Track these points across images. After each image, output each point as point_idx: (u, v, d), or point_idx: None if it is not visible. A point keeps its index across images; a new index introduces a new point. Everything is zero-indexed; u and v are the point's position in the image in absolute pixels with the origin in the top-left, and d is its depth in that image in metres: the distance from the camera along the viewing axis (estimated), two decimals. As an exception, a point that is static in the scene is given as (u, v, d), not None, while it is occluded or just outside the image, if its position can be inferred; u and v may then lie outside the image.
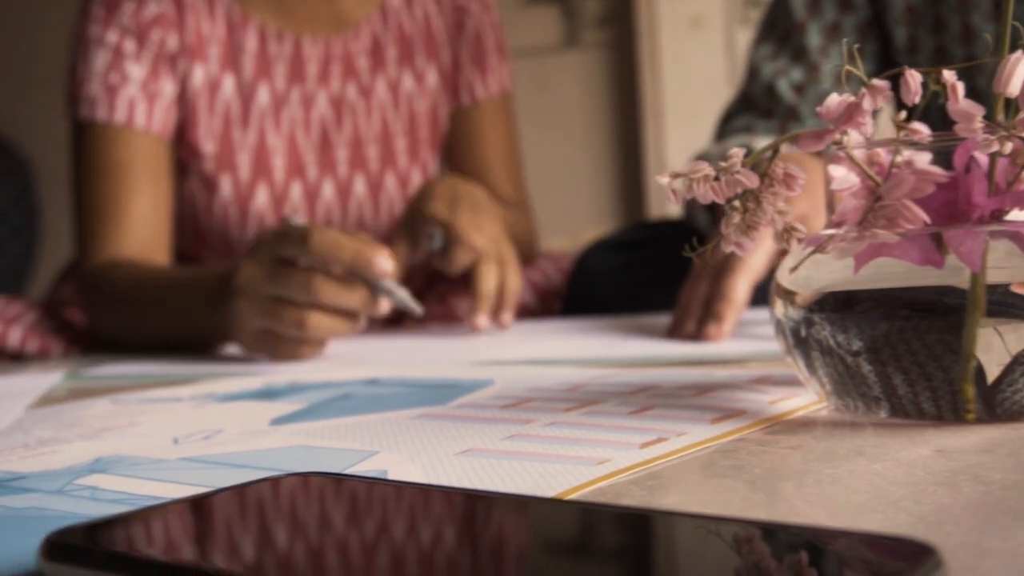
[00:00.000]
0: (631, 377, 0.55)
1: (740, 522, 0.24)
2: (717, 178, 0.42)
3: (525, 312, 1.10)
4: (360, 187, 1.13)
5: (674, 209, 2.39)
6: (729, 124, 1.15)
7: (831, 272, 0.42)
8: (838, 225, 0.43)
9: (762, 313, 0.84)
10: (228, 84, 1.07)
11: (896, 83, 0.42)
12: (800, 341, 0.41)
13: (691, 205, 1.02)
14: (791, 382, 0.50)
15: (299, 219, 0.76)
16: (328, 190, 1.12)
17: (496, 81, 1.20)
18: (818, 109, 0.41)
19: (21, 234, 2.81)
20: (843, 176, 0.43)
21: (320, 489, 0.29)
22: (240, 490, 0.29)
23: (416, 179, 1.17)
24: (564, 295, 1.11)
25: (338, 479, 0.30)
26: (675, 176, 0.42)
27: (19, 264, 2.82)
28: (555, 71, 2.53)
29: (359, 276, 0.72)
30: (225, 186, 1.07)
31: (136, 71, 1.01)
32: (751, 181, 0.41)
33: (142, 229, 1.00)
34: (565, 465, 0.35)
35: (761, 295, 0.81)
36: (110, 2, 1.02)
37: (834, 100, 0.41)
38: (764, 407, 0.44)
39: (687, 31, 2.40)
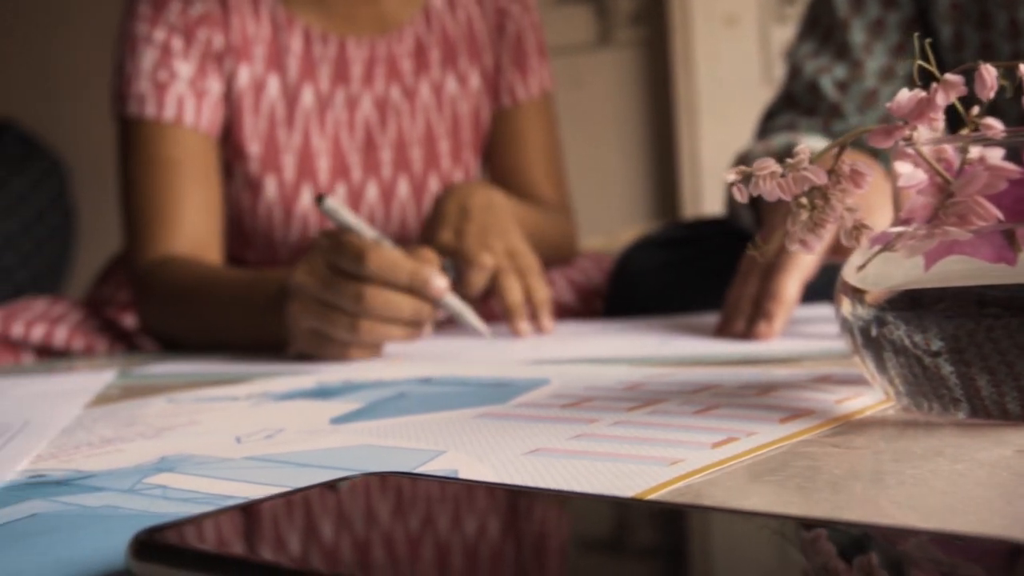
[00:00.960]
0: (688, 376, 0.54)
1: (836, 524, 0.24)
2: (783, 175, 0.41)
3: (566, 312, 1.10)
4: (404, 189, 1.13)
5: (709, 208, 2.38)
6: (771, 122, 1.14)
7: (899, 270, 0.41)
8: (905, 223, 0.42)
9: (811, 311, 0.83)
10: (273, 85, 1.07)
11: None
12: (870, 340, 0.40)
13: (734, 203, 1.02)
14: (853, 381, 0.49)
15: (333, 201, 0.76)
16: (372, 192, 1.12)
17: (536, 82, 1.19)
18: (888, 105, 0.41)
19: (58, 234, 2.84)
20: (910, 173, 0.42)
21: (402, 489, 0.29)
22: (323, 489, 0.29)
23: (459, 181, 1.17)
24: (606, 294, 1.10)
25: (419, 479, 0.30)
26: (741, 173, 0.42)
27: (56, 264, 2.85)
28: (588, 70, 2.52)
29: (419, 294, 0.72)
30: (270, 187, 1.08)
31: (184, 69, 1.02)
32: (819, 178, 0.41)
33: (194, 226, 1.00)
34: (638, 465, 0.35)
35: (810, 294, 0.80)
36: (157, 0, 1.02)
37: (905, 95, 0.41)
38: (831, 406, 0.43)
39: (721, 29, 2.39)
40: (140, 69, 1.01)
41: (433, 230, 0.93)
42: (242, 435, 0.45)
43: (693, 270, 1.03)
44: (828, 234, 0.42)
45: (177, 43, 1.02)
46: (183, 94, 1.01)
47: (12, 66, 3.03)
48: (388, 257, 0.71)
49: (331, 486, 0.30)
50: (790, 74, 1.14)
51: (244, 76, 1.05)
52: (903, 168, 0.42)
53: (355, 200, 1.12)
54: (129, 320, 1.09)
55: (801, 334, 0.74)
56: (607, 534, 0.26)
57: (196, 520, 0.27)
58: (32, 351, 1.02)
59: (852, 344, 0.43)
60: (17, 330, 1.00)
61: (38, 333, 1.01)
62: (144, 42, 1.01)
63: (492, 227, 0.92)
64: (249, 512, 0.27)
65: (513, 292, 0.88)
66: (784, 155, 0.98)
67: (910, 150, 0.42)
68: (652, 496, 0.31)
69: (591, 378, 0.56)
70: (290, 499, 0.28)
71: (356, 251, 0.71)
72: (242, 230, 1.12)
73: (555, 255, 1.13)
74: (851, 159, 0.42)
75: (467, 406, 0.49)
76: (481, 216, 0.93)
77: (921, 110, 0.40)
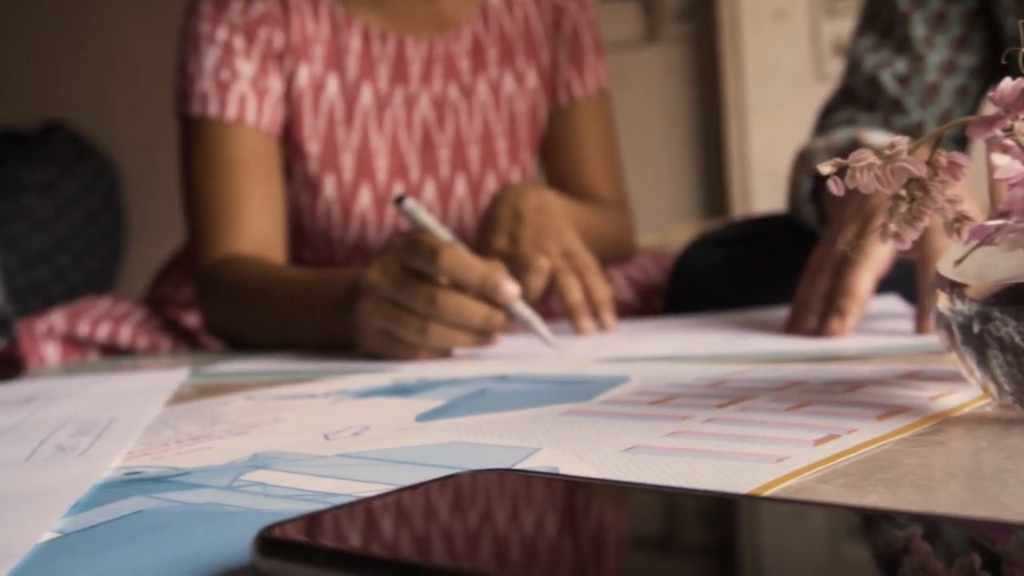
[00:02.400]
0: (770, 373, 0.54)
1: (970, 522, 0.23)
2: (882, 167, 0.40)
3: (626, 310, 1.09)
4: (461, 188, 1.13)
5: (759, 205, 2.36)
6: (830, 118, 1.13)
7: (998, 264, 0.40)
8: (1003, 215, 0.42)
9: (881, 307, 0.82)
10: (332, 84, 1.07)
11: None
12: (971, 336, 0.40)
13: (796, 199, 1.01)
14: (943, 377, 0.48)
15: (412, 202, 0.76)
16: (430, 191, 1.12)
17: (593, 79, 1.19)
18: (990, 95, 0.40)
19: (109, 235, 2.87)
20: (1007, 165, 0.41)
21: (516, 485, 0.29)
22: (438, 485, 0.29)
23: (515, 180, 1.16)
24: (665, 292, 1.09)
25: (530, 476, 0.30)
26: (837, 165, 0.41)
27: (108, 264, 2.88)
28: (635, 67, 2.51)
29: (489, 300, 0.72)
30: (328, 187, 1.08)
31: (246, 68, 1.02)
32: (918, 169, 0.40)
33: (257, 225, 1.00)
34: (742, 462, 0.34)
35: (881, 290, 0.79)
36: (219, 0, 1.03)
37: (1008, 85, 0.40)
38: (926, 403, 0.43)
39: (770, 24, 2.37)
40: (202, 68, 1.02)
41: (487, 236, 0.92)
42: (329, 432, 0.45)
43: (754, 267, 1.02)
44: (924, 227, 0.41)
45: (239, 42, 1.02)
46: (245, 93, 1.02)
47: (62, 68, 3.07)
48: (461, 258, 0.71)
49: (445, 482, 0.29)
50: (849, 69, 1.13)
51: (304, 76, 1.06)
52: (1000, 160, 0.42)
53: (413, 199, 1.12)
54: (190, 319, 1.09)
55: (873, 330, 0.73)
56: (734, 531, 0.25)
57: (317, 516, 0.26)
58: (97, 349, 1.03)
59: (949, 340, 0.42)
60: (83, 329, 1.01)
61: (103, 332, 1.02)
62: (206, 41, 1.02)
63: (546, 229, 0.92)
64: (369, 508, 0.27)
65: (573, 291, 0.88)
66: (848, 151, 0.97)
67: (1009, 141, 0.41)
68: (767, 493, 0.30)
69: (671, 375, 0.56)
70: (407, 495, 0.28)
71: (429, 249, 0.71)
72: (301, 230, 1.12)
73: (612, 253, 1.12)
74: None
75: (550, 403, 0.49)
76: (534, 219, 0.92)
77: (1024, 101, 0.40)
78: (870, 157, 0.41)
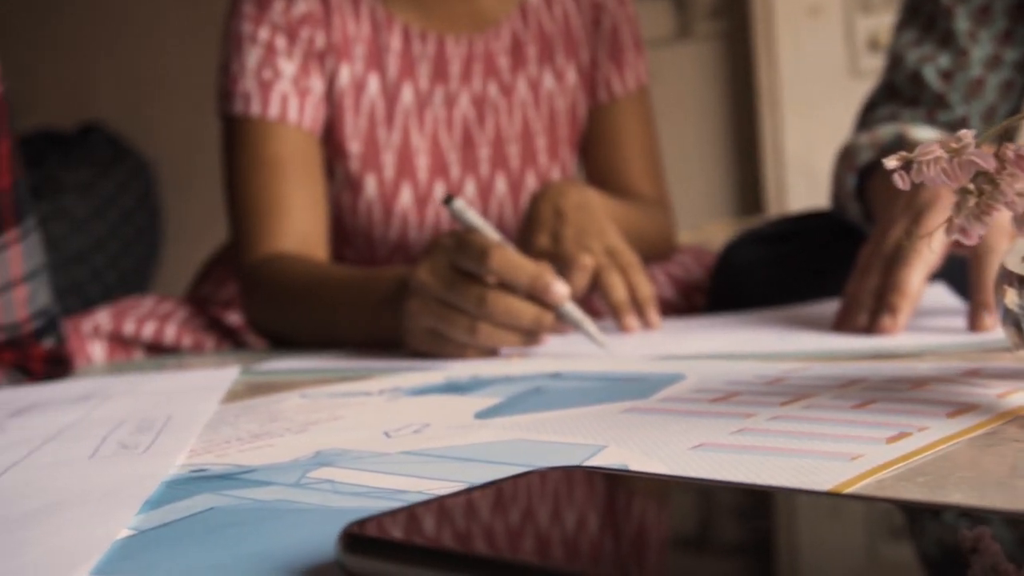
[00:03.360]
0: (828, 370, 0.53)
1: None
2: (949, 160, 0.40)
3: (667, 308, 1.08)
4: (501, 186, 1.13)
5: (794, 203, 2.35)
6: (872, 114, 1.12)
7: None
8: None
9: (932, 301, 0.81)
10: (373, 84, 1.07)
11: None
12: (1042, 332, 0.39)
13: (841, 196, 1.00)
14: (1007, 374, 0.48)
15: (461, 203, 0.75)
16: (470, 189, 1.12)
17: (633, 76, 1.18)
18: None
19: (144, 235, 2.89)
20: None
21: (593, 482, 0.29)
22: (514, 482, 0.29)
23: (555, 178, 1.16)
24: (707, 289, 1.09)
25: (603, 473, 0.30)
26: (903, 159, 0.41)
27: (143, 264, 2.90)
28: (667, 64, 2.50)
29: (539, 300, 0.72)
30: (369, 186, 1.08)
31: (288, 67, 1.02)
32: (987, 163, 0.39)
33: (300, 224, 1.00)
34: (816, 460, 0.34)
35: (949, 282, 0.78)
36: (261, 0, 1.03)
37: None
38: (994, 401, 0.42)
39: (804, 19, 2.36)
40: (245, 68, 1.02)
41: (529, 235, 0.92)
42: (390, 430, 0.45)
43: (798, 264, 1.01)
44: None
45: (281, 42, 1.03)
46: (287, 92, 1.02)
47: (99, 70, 3.10)
48: (511, 258, 0.71)
49: (522, 479, 0.29)
50: (891, 64, 1.12)
51: (345, 75, 1.06)
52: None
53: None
54: (232, 318, 1.10)
55: (925, 327, 0.73)
56: (824, 529, 0.25)
57: (400, 513, 0.26)
58: (142, 348, 1.03)
59: (1017, 336, 0.41)
60: (129, 328, 1.02)
61: (148, 331, 1.03)
62: (249, 41, 1.02)
63: (588, 227, 0.92)
64: (449, 505, 0.27)
65: (617, 289, 0.87)
66: (893, 146, 0.96)
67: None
68: (848, 491, 0.30)
69: (727, 373, 0.55)
70: (486, 492, 0.28)
71: (479, 249, 0.71)
72: (342, 229, 1.12)
73: (653, 251, 1.12)
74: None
75: (608, 401, 0.49)
76: (576, 217, 0.92)
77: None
78: (937, 151, 0.40)
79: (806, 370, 0.54)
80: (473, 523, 0.26)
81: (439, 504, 0.27)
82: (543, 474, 0.29)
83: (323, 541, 0.29)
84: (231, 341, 1.08)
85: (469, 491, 0.28)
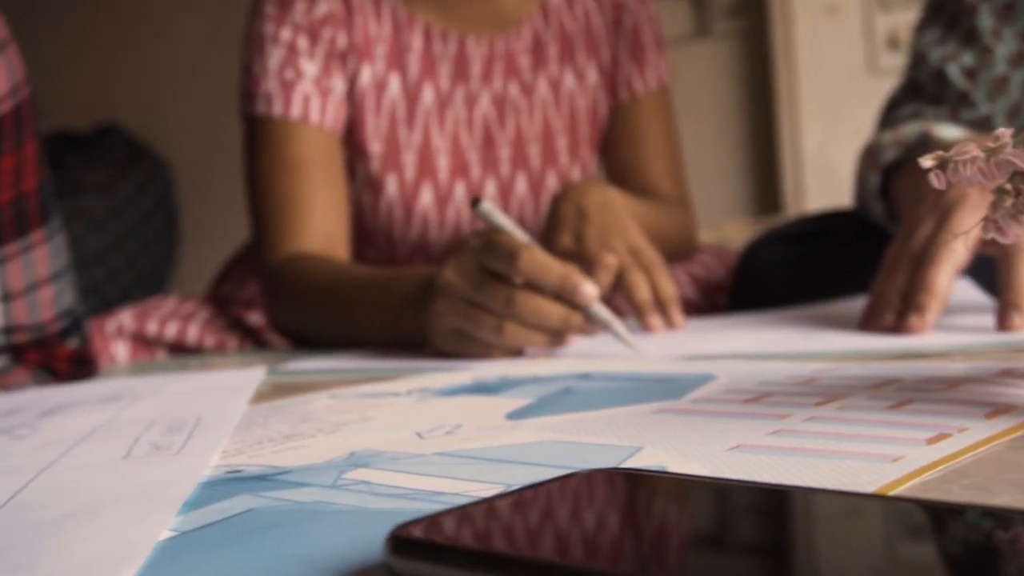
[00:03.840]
0: (860, 371, 0.53)
1: None
2: (986, 160, 0.40)
3: (690, 307, 1.08)
4: (522, 186, 1.13)
5: (812, 202, 2.34)
6: (895, 112, 1.11)
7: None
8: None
9: (959, 299, 0.81)
10: (394, 84, 1.07)
11: None
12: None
13: (864, 195, 0.99)
14: (1042, 376, 0.48)
15: (489, 204, 0.75)
16: (491, 189, 1.12)
17: (654, 75, 1.18)
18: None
19: (162, 235, 2.90)
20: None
21: (637, 485, 0.29)
22: (558, 484, 0.29)
23: (576, 178, 1.16)
24: (730, 289, 1.09)
25: (649, 475, 0.29)
26: (939, 159, 0.40)
27: (161, 264, 2.91)
28: (685, 62, 2.50)
29: (566, 300, 0.72)
30: (390, 186, 1.08)
31: (310, 68, 1.02)
32: (1025, 163, 0.39)
33: (322, 224, 1.00)
34: (857, 462, 0.34)
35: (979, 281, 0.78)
36: (282, 1, 1.03)
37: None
38: (1032, 401, 0.42)
39: (822, 17, 2.35)
40: (267, 68, 1.02)
41: (552, 235, 0.92)
42: (422, 431, 0.45)
43: (821, 264, 1.01)
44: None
45: (303, 42, 1.03)
46: (309, 93, 1.02)
47: (117, 71, 3.11)
48: (539, 259, 0.71)
49: (566, 481, 0.29)
50: (914, 62, 1.11)
51: (366, 75, 1.06)
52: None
53: (474, 197, 1.12)
54: (254, 317, 1.10)
55: (953, 326, 0.72)
56: (876, 531, 0.25)
57: (447, 516, 0.26)
58: (165, 348, 1.04)
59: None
60: (151, 328, 1.02)
61: (171, 331, 1.03)
62: (271, 42, 1.02)
63: (611, 227, 0.91)
64: (495, 507, 0.27)
65: (641, 288, 0.87)
66: (918, 145, 0.96)
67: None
68: (893, 493, 0.30)
69: (758, 373, 0.55)
70: (531, 494, 0.28)
71: (508, 251, 0.71)
72: (363, 229, 1.12)
73: (674, 250, 1.11)
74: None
75: (640, 401, 0.49)
76: (599, 216, 0.92)
77: None
78: (974, 150, 0.40)
79: (837, 370, 0.54)
80: (521, 526, 0.26)
81: (486, 506, 0.27)
82: (588, 476, 0.29)
83: (366, 543, 0.29)
84: (253, 341, 1.08)
85: (514, 493, 0.28)
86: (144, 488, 0.37)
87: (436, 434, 0.45)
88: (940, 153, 0.41)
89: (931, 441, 0.36)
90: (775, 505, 0.27)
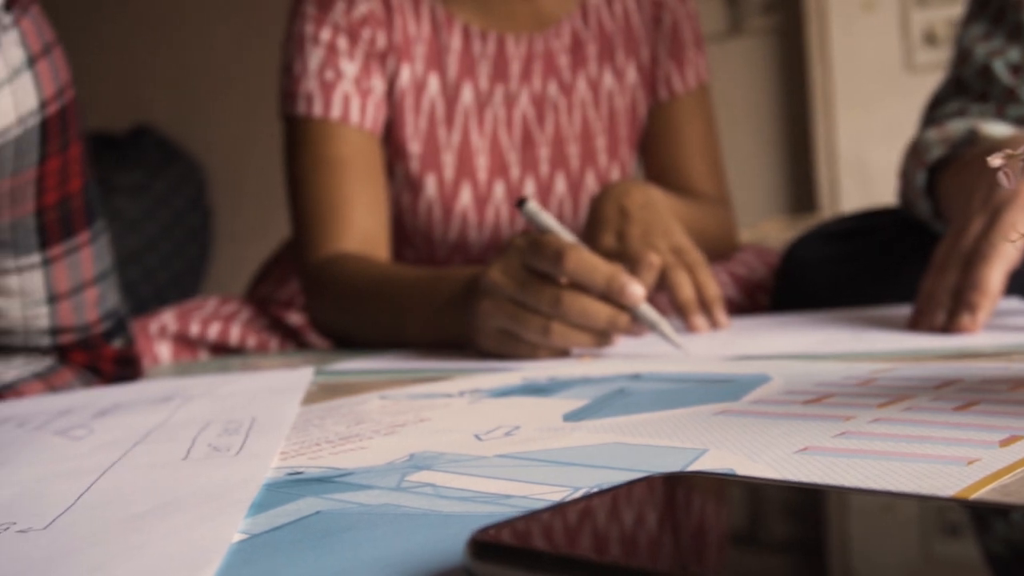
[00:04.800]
0: (919, 371, 0.52)
1: None
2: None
3: (731, 307, 1.08)
4: (561, 186, 1.13)
5: (847, 201, 2.32)
6: (939, 109, 1.10)
7: None
8: None
9: (1010, 302, 0.80)
10: (433, 84, 1.07)
11: None
12: None
13: (909, 193, 0.98)
14: (1108, 376, 0.47)
15: (534, 205, 0.75)
16: (530, 189, 1.12)
17: (693, 73, 1.18)
18: None
19: (196, 236, 2.92)
20: None
21: (713, 488, 0.28)
22: (635, 488, 0.29)
23: (615, 177, 1.16)
24: (771, 288, 1.08)
25: (727, 479, 0.29)
26: (1008, 157, 0.40)
27: (194, 264, 2.93)
28: (719, 61, 2.48)
29: (613, 301, 0.71)
30: (430, 186, 1.08)
31: (349, 68, 1.03)
32: (1097, 162, 0.38)
33: (363, 224, 1.01)
34: (932, 464, 0.33)
35: (1013, 285, 0.77)
36: (322, 1, 1.04)
37: None
38: (1101, 403, 0.41)
39: (858, 14, 2.33)
40: (307, 69, 1.02)
41: (594, 235, 0.92)
42: (480, 432, 0.45)
43: (866, 262, 1.00)
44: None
45: (342, 42, 1.03)
46: (348, 93, 1.02)
47: (150, 73, 3.13)
48: (586, 259, 0.70)
49: (642, 484, 0.29)
50: (959, 58, 1.10)
51: (405, 76, 1.06)
52: None
53: (513, 198, 1.12)
54: (293, 317, 1.10)
55: (1004, 326, 0.71)
56: (963, 536, 0.24)
57: (527, 519, 0.26)
58: (207, 348, 1.04)
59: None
60: (194, 329, 1.03)
61: (214, 331, 1.03)
62: (311, 42, 1.03)
63: (654, 226, 0.91)
64: (575, 511, 0.27)
65: (685, 288, 0.87)
66: (965, 142, 0.95)
67: None
68: (975, 497, 0.29)
69: (814, 374, 0.54)
70: (608, 497, 0.28)
71: (554, 251, 0.71)
72: (402, 229, 1.12)
73: (715, 249, 1.11)
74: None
75: (698, 403, 0.48)
76: (641, 216, 0.91)
77: None
78: (1046, 148, 0.39)
79: (894, 370, 0.53)
80: (602, 529, 0.26)
81: (565, 510, 0.27)
82: (666, 479, 0.29)
83: (441, 546, 0.29)
84: (294, 341, 1.08)
85: (592, 496, 0.28)
86: (209, 490, 0.37)
87: (494, 436, 0.44)
88: (1009, 152, 0.40)
89: (1004, 443, 0.35)
90: (860, 510, 0.26)
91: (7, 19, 0.79)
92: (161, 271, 2.81)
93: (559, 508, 0.27)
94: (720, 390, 0.52)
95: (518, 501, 0.33)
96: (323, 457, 0.43)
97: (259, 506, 0.35)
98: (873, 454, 0.35)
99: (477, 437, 0.44)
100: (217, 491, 0.37)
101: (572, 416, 0.47)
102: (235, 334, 1.04)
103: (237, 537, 0.31)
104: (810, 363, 0.60)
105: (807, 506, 0.27)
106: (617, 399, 0.51)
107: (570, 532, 0.26)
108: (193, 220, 2.92)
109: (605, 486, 0.34)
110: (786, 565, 0.24)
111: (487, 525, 0.26)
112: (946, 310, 0.73)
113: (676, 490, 0.28)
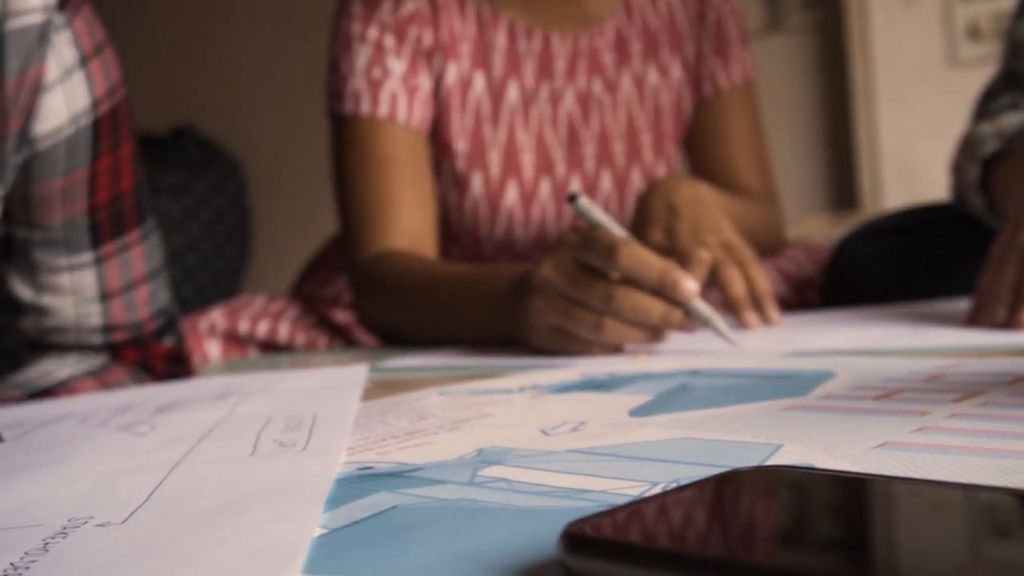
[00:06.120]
0: (988, 367, 0.52)
1: None
2: None
3: (780, 304, 1.07)
4: (607, 182, 1.12)
5: (891, 198, 2.30)
6: (992, 103, 1.09)
7: None
8: None
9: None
10: (479, 82, 1.07)
11: None
12: None
13: (963, 188, 0.97)
14: None
15: (586, 200, 0.75)
16: (575, 186, 1.11)
17: (739, 69, 1.17)
18: None
19: (235, 235, 2.93)
20: None
21: (803, 482, 0.28)
22: (722, 481, 0.28)
23: (661, 174, 1.15)
24: (821, 285, 1.07)
25: (815, 473, 0.29)
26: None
27: (234, 263, 2.95)
28: (759, 58, 2.46)
29: (666, 296, 0.71)
30: (476, 184, 1.08)
31: (396, 66, 1.03)
32: None
33: (411, 221, 1.01)
34: (1018, 460, 0.33)
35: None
36: (369, 0, 1.04)
37: None
38: None
39: (900, 9, 2.31)
40: (354, 67, 1.03)
41: (642, 232, 0.91)
42: (546, 428, 0.45)
43: (918, 258, 0.99)
44: None
45: (389, 41, 1.03)
46: (396, 91, 1.02)
47: (190, 74, 3.15)
48: (639, 255, 0.70)
49: (728, 478, 0.28)
50: (1010, 52, 1.09)
51: (452, 74, 1.06)
52: None
53: (559, 195, 1.11)
54: (340, 315, 1.11)
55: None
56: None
57: (618, 513, 0.26)
58: (256, 346, 1.05)
59: None
60: (243, 326, 1.03)
61: (263, 329, 1.04)
62: (358, 41, 1.03)
63: (703, 222, 0.90)
64: (664, 504, 0.26)
65: (736, 284, 0.86)
66: (1018, 135, 0.93)
67: None
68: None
69: (879, 369, 0.54)
70: (695, 491, 0.28)
71: (606, 246, 0.70)
72: (448, 226, 1.12)
73: (763, 246, 1.10)
74: None
75: (764, 399, 0.48)
76: (690, 212, 0.91)
77: None
78: None
79: (961, 366, 0.53)
80: (692, 523, 0.26)
81: (654, 504, 0.27)
82: (754, 472, 0.29)
83: (526, 540, 0.29)
84: (341, 339, 1.09)
85: (679, 490, 0.28)
86: (281, 485, 0.37)
87: (561, 431, 0.44)
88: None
89: (1091, 439, 0.34)
90: (952, 503, 0.26)
91: (60, 19, 0.80)
92: (202, 271, 2.83)
93: (650, 501, 0.27)
94: (784, 385, 0.51)
95: (596, 496, 0.33)
96: (390, 452, 0.43)
97: (334, 501, 0.35)
98: (955, 449, 0.35)
99: (544, 432, 0.44)
100: (290, 486, 0.37)
101: (638, 411, 0.47)
102: (284, 332, 1.05)
103: (317, 531, 0.31)
104: (873, 359, 0.59)
105: (902, 501, 0.27)
106: (680, 395, 0.51)
107: (664, 525, 0.25)
108: (233, 219, 2.94)
109: (683, 481, 0.34)
110: (883, 557, 0.23)
111: (579, 519, 0.26)
112: (1006, 306, 0.71)
113: (765, 484, 0.28)
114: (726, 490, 0.28)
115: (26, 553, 0.31)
